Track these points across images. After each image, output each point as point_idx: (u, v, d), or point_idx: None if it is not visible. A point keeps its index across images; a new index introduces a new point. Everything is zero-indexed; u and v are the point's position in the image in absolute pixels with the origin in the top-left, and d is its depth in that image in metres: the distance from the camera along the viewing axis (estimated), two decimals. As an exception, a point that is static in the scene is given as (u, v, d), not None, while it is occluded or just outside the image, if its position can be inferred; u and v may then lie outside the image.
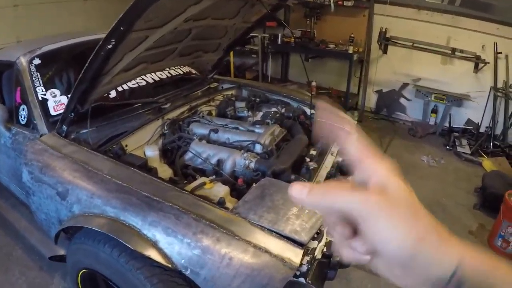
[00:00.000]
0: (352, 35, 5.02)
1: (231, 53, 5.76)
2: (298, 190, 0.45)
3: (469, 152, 4.55)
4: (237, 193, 2.01)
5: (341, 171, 2.49)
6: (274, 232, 1.59)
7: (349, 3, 4.96)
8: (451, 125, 5.07)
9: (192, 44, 2.74)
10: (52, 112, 2.47)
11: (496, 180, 3.58)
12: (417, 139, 4.97)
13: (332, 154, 2.51)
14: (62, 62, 2.66)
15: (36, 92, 2.51)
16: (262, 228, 1.61)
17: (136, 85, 2.86)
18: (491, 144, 4.60)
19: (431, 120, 5.21)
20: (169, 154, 2.50)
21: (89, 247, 1.82)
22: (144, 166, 2.09)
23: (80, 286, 2.10)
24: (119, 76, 2.34)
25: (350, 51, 4.93)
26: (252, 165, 2.17)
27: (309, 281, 1.60)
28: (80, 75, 1.98)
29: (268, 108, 3.07)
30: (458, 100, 4.92)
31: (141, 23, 1.87)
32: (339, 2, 4.98)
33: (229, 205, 1.81)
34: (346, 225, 0.43)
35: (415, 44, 4.76)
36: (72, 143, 2.20)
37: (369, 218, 0.40)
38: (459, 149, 4.62)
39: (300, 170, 2.23)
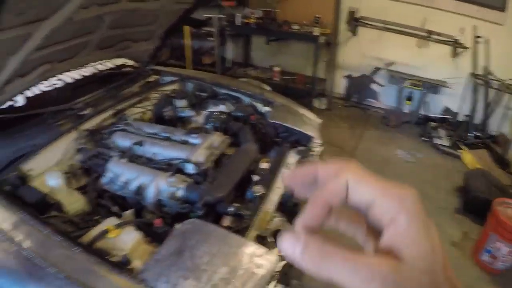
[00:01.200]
0: (317, 16, 4.55)
1: (188, 36, 5.23)
2: (289, 244, 0.34)
3: (448, 144, 4.20)
4: (156, 237, 1.53)
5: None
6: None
7: None
8: (427, 114, 4.71)
9: (114, 34, 2.21)
10: None
11: (479, 181, 3.23)
12: (391, 128, 4.60)
13: (288, 168, 2.06)
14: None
15: None
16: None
17: (51, 88, 2.31)
18: (472, 134, 4.27)
19: (405, 108, 4.83)
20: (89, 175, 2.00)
21: None
22: (41, 202, 1.61)
23: None
24: (13, 84, 1.82)
25: (316, 33, 4.45)
26: (180, 193, 1.72)
27: None
28: None
29: (215, 105, 2.61)
30: (434, 86, 4.54)
31: (10, 19, 1.36)
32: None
33: (137, 262, 1.35)
34: None
35: (387, 26, 4.34)
36: None
37: None
38: (436, 141, 4.28)
39: (244, 194, 1.81)
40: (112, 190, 1.83)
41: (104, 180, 1.86)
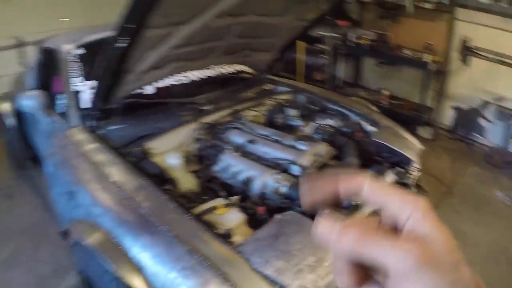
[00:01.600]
0: (429, 42, 4.46)
1: (302, 51, 5.48)
2: (327, 227, 0.36)
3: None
4: (256, 223, 1.73)
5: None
6: (278, 284, 1.31)
7: (429, 6, 4.37)
8: None
9: (240, 42, 2.50)
10: (86, 105, 2.37)
11: None
12: (493, 168, 4.29)
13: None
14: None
15: (72, 83, 2.47)
16: (265, 276, 1.33)
17: (178, 83, 2.66)
18: None
19: (511, 147, 4.47)
20: (202, 162, 2.28)
21: (84, 255, 1.73)
22: (159, 175, 1.91)
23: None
24: (150, 74, 2.19)
25: (426, 60, 4.37)
26: (283, 190, 1.88)
27: None
28: (98, 72, 1.86)
29: (323, 119, 2.75)
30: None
31: (157, 20, 1.68)
32: (418, 4, 4.41)
33: (238, 238, 1.55)
34: (360, 271, 0.37)
35: (501, 58, 4.09)
36: (95, 140, 2.13)
37: (406, 277, 0.33)
38: None
39: (339, 204, 1.91)
40: (222, 177, 2.07)
41: (216, 168, 2.11)
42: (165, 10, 1.67)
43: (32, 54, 3.87)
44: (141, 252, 1.44)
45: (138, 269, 1.43)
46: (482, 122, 4.73)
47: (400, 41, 4.79)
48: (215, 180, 2.07)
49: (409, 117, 4.79)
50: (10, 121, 3.30)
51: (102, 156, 1.95)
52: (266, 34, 2.64)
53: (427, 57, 4.37)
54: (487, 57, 4.18)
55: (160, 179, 1.88)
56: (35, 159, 3.42)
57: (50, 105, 2.62)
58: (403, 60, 4.70)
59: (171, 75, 2.44)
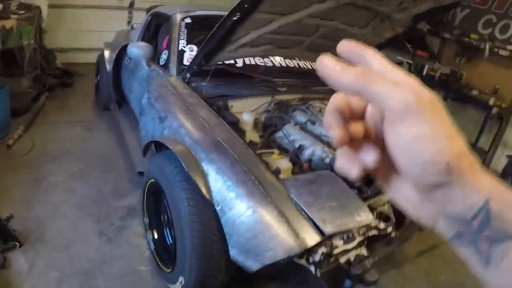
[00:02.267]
0: (497, 86, 4.62)
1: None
2: (333, 61, 0.37)
3: None
4: (300, 173, 2.16)
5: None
6: (304, 212, 1.73)
7: (505, 53, 4.54)
8: None
9: (321, 42, 2.94)
10: (185, 62, 2.95)
11: None
12: None
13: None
14: (206, 27, 3.16)
15: (178, 43, 3.03)
16: (296, 204, 1.76)
17: (263, 64, 3.18)
18: None
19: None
20: (267, 129, 2.73)
21: (161, 162, 2.23)
22: (234, 123, 2.39)
23: (145, 194, 2.52)
24: (244, 49, 2.69)
25: (490, 103, 4.53)
26: (327, 160, 2.27)
27: (319, 274, 1.70)
28: (208, 36, 2.37)
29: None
30: None
31: (266, 7, 2.17)
32: (494, 49, 4.61)
33: (283, 175, 2.00)
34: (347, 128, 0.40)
35: None
36: (188, 88, 2.63)
37: (403, 117, 0.34)
38: None
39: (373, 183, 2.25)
40: (281, 143, 2.50)
41: (278, 134, 2.56)
42: (274, 1, 2.15)
43: (138, 17, 4.58)
44: (209, 164, 1.92)
45: (204, 175, 1.91)
46: (532, 174, 4.80)
47: (473, 81, 4.99)
48: (274, 143, 2.54)
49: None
50: (109, 66, 4.00)
51: (192, 100, 2.48)
52: (346, 41, 3.06)
53: (491, 100, 4.54)
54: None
55: (235, 127, 2.36)
56: (120, 103, 4.06)
57: (153, 57, 3.23)
58: (469, 99, 4.89)
59: (261, 55, 2.95)
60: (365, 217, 1.82)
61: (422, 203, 0.39)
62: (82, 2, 5.79)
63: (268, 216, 1.70)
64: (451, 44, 5.24)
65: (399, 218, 2.29)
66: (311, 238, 1.66)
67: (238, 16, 2.19)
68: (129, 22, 5.50)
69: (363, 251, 1.91)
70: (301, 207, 1.76)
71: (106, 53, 4.25)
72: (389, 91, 0.34)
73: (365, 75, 0.34)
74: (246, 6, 2.12)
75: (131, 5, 5.44)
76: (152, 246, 2.49)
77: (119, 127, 3.85)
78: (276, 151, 2.21)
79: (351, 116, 0.42)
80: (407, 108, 0.33)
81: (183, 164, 1.94)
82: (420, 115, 0.33)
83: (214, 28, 2.33)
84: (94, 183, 3.28)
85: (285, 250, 1.62)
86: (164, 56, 3.15)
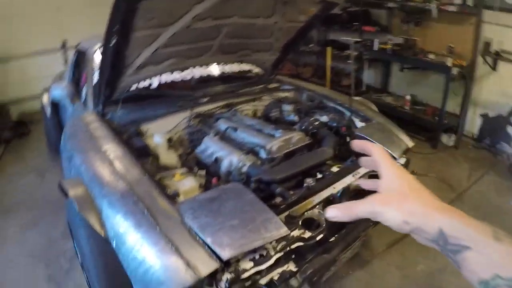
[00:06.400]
0: (451, 45, 4.40)
1: (328, 56, 5.62)
2: (331, 210, 0.64)
3: None
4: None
5: (357, 195, 2.27)
6: (199, 237, 1.55)
7: (453, 8, 4.31)
8: None
9: (232, 42, 2.76)
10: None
11: None
12: None
13: (354, 176, 2.27)
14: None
15: (93, 77, 2.87)
16: (190, 229, 1.58)
17: (181, 78, 3.01)
18: None
19: (540, 157, 4.26)
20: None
21: (68, 204, 2.06)
22: (142, 149, 2.22)
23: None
24: (147, 68, 2.53)
25: (448, 64, 4.28)
26: (244, 168, 2.12)
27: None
28: (99, 66, 2.23)
29: (320, 115, 2.93)
30: None
31: (142, 23, 2.01)
32: (441, 7, 4.38)
33: (187, 197, 1.84)
34: None
35: None
36: (100, 121, 2.47)
37: (377, 216, 0.60)
38: None
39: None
40: (201, 158, 2.35)
41: (197, 149, 2.40)
42: (146, 15, 1.99)
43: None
44: (103, 198, 1.76)
45: (99, 211, 1.74)
46: (510, 130, 4.56)
47: (427, 46, 4.79)
48: (194, 159, 2.37)
49: (432, 123, 4.76)
50: (48, 111, 3.88)
51: (100, 133, 2.31)
52: (259, 35, 2.88)
53: (449, 61, 4.31)
54: (513, 60, 4.02)
55: (144, 152, 2.20)
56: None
57: (76, 95, 3.08)
58: (425, 64, 4.68)
59: (170, 70, 2.77)
60: (276, 230, 1.61)
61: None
62: (24, 51, 5.72)
63: (156, 248, 1.52)
64: (398, 13, 5.04)
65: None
66: (206, 266, 1.46)
67: (116, 40, 2.03)
68: (65, 62, 5.41)
69: (291, 266, 1.72)
70: (195, 232, 1.57)
71: (44, 98, 4.12)
72: (364, 209, 0.62)
73: (349, 209, 0.63)
74: (118, 27, 1.96)
75: (63, 45, 5.37)
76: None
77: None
78: (178, 171, 2.03)
79: None
80: (376, 212, 0.61)
81: (75, 205, 1.78)
82: (381, 212, 0.61)
83: (101, 57, 2.18)
84: (45, 229, 3.27)
85: (177, 283, 1.43)
86: (84, 92, 3.01)
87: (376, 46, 4.96)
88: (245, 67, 3.38)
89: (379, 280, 2.63)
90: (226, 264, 1.51)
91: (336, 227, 2.04)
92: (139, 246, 1.53)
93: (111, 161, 1.97)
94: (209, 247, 1.50)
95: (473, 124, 4.87)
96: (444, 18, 4.53)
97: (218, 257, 1.48)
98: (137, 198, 1.70)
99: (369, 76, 5.80)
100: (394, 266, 2.76)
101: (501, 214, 3.47)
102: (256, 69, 3.47)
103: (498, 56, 4.19)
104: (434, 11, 4.39)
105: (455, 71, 4.33)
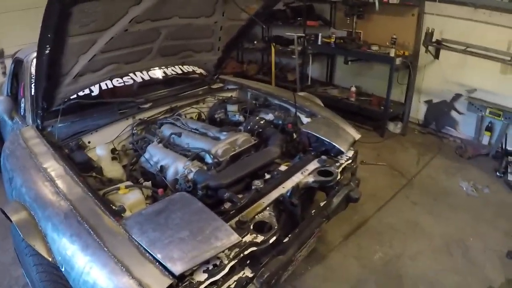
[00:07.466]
0: (394, 36, 4.52)
1: (272, 52, 5.64)
2: None
3: (523, 183, 3.77)
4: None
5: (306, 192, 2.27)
6: (149, 253, 1.48)
7: (395, 1, 4.42)
8: (506, 147, 4.27)
9: (171, 44, 2.68)
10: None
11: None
12: (464, 160, 4.30)
13: (302, 173, 2.26)
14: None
15: (31, 88, 2.70)
16: (138, 245, 1.51)
17: (122, 84, 2.89)
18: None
19: (484, 139, 4.49)
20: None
21: (13, 230, 1.94)
22: (84, 163, 2.12)
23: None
24: (86, 76, 2.40)
25: (392, 54, 4.41)
26: (191, 175, 2.06)
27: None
28: (35, 76, 2.08)
29: (265, 113, 2.91)
30: (517, 117, 4.11)
31: (75, 29, 1.90)
32: (383, 0, 4.48)
33: (132, 212, 1.76)
34: None
35: (469, 49, 4.07)
36: (40, 136, 2.32)
37: None
38: (510, 177, 3.84)
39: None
40: (146, 167, 2.27)
41: (142, 159, 2.31)
42: (81, 20, 1.87)
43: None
44: (46, 221, 1.65)
45: (43, 236, 1.63)
46: (454, 115, 4.77)
47: (370, 38, 4.90)
48: (139, 168, 2.28)
49: (378, 112, 4.87)
50: None
51: (40, 149, 2.17)
52: (200, 35, 2.81)
53: (392, 52, 4.43)
54: (456, 49, 4.18)
55: (87, 166, 2.11)
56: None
57: (15, 109, 2.89)
58: (370, 56, 4.78)
59: (110, 77, 2.65)
60: (226, 238, 1.58)
61: None
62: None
63: (105, 270, 1.44)
64: (341, 6, 5.12)
65: (292, 219, 2.11)
66: (159, 284, 1.40)
67: (49, 48, 1.90)
68: (4, 73, 5.06)
69: (247, 272, 1.69)
70: (144, 248, 1.50)
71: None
72: None
73: None
74: (49, 36, 1.84)
75: (0, 54, 5.00)
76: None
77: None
78: (123, 185, 1.94)
79: None
80: None
81: (19, 231, 1.67)
82: None
83: (35, 67, 2.04)
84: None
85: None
86: (22, 105, 2.82)
87: (320, 40, 5.02)
88: (187, 68, 3.31)
89: (338, 273, 2.65)
90: (179, 279, 1.45)
91: (289, 227, 2.03)
92: (88, 269, 1.45)
93: (52, 180, 1.86)
94: (160, 263, 1.45)
95: (418, 111, 5.05)
96: (387, 10, 4.64)
97: (171, 273, 1.42)
98: (81, 218, 1.61)
99: (314, 70, 5.85)
100: (351, 257, 2.79)
101: (451, 195, 3.59)
102: (199, 70, 3.41)
103: (440, 45, 4.32)
104: (377, 4, 4.47)
105: (398, 61, 4.45)
